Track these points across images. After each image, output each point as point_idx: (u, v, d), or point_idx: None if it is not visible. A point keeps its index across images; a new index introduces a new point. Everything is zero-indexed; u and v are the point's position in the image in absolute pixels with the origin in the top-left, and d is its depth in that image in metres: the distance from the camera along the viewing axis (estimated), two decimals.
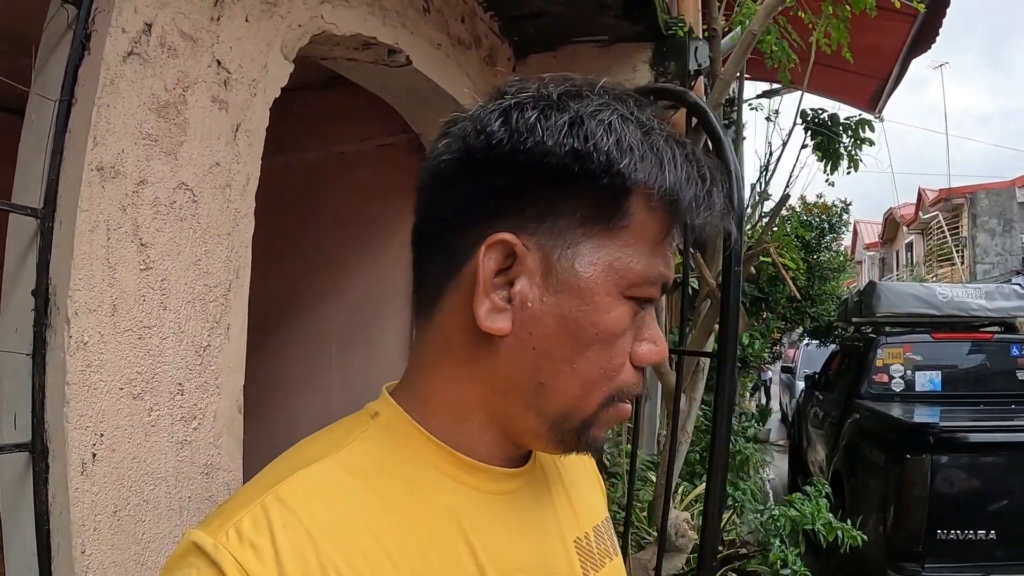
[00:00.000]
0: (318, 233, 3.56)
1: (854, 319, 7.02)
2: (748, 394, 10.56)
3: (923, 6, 3.65)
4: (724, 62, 3.35)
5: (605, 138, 0.62)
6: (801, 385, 8.92)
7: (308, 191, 3.51)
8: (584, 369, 0.64)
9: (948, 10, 3.97)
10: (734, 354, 2.03)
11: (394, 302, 3.52)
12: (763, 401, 12.69)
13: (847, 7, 2.93)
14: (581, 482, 0.86)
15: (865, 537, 3.87)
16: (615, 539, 0.86)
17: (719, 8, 3.01)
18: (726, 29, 3.17)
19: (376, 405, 0.72)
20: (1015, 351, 5.90)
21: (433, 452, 0.68)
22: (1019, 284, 6.51)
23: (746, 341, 6.95)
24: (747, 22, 3.06)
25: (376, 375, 3.53)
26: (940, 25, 4.11)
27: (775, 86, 6.28)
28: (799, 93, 4.25)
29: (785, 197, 4.11)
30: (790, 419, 9.73)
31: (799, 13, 3.08)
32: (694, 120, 2.23)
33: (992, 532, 4.06)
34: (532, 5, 2.92)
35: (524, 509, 0.72)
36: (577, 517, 0.80)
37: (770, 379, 14.27)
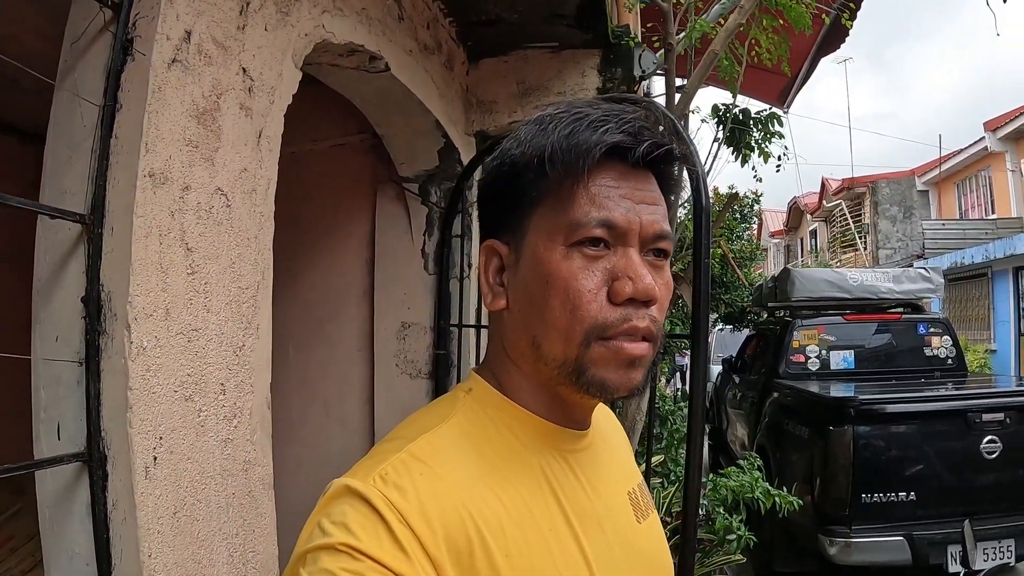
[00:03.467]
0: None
1: (769, 304, 7.35)
2: (665, 379, 10.84)
3: (850, 24, 3.95)
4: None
5: (512, 147, 0.80)
6: (717, 369, 9.23)
7: None
8: (553, 316, 0.76)
9: (859, 12, 4.30)
10: (706, 335, 2.29)
11: (350, 300, 3.56)
12: (679, 386, 13.11)
13: (781, 21, 3.17)
14: (621, 447, 1.03)
15: (801, 502, 4.10)
16: (650, 497, 1.00)
17: (674, 22, 3.19)
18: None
19: (469, 383, 0.86)
20: (921, 329, 6.34)
21: (519, 419, 0.81)
22: (924, 268, 6.97)
23: (667, 327, 7.23)
24: (697, 37, 3.25)
25: (334, 372, 3.56)
26: (852, 18, 4.38)
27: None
28: (711, 88, 4.49)
29: (735, 195, 4.35)
30: (707, 403, 10.02)
31: (742, 27, 3.30)
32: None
33: (912, 494, 4.38)
34: (490, 12, 3.03)
35: (591, 465, 0.86)
36: (626, 474, 0.96)
37: (686, 365, 14.74)
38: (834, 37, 4.64)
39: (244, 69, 1.70)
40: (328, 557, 0.63)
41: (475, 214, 3.31)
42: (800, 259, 27.89)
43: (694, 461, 2.24)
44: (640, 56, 3.25)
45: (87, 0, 1.45)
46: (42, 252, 1.47)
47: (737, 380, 7.67)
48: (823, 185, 24.09)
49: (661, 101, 3.50)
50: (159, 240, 1.45)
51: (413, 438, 0.75)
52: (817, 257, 23.91)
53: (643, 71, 3.26)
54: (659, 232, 0.78)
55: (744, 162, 4.94)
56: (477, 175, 3.19)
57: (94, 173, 1.43)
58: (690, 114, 3.51)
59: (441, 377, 3.23)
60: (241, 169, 1.69)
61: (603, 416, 0.98)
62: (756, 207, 9.38)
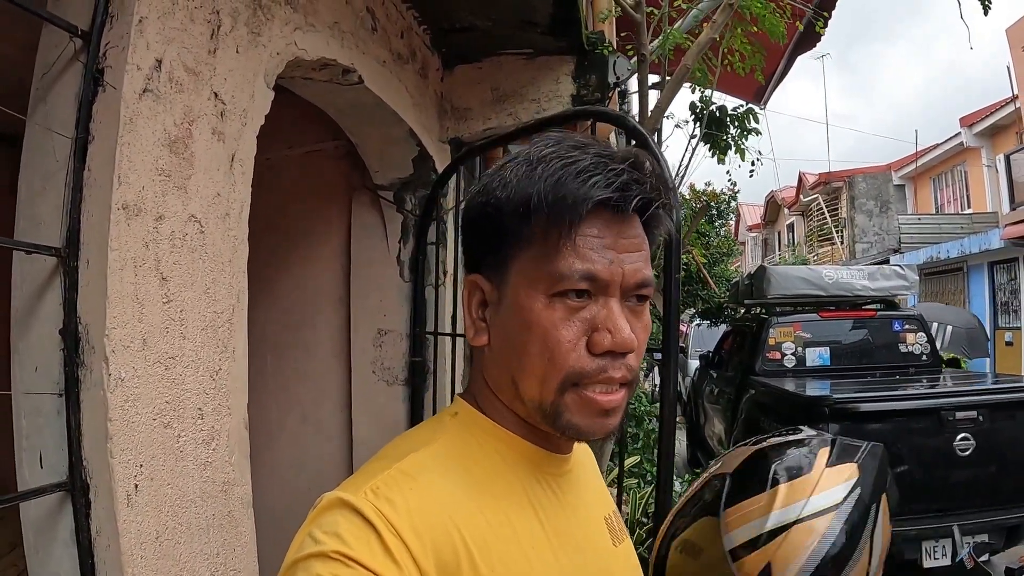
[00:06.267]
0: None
1: (746, 301, 7.44)
2: (643, 375, 10.84)
3: (823, 31, 3.99)
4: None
5: (497, 188, 0.80)
6: (694, 364, 9.28)
7: None
8: (531, 362, 0.78)
9: (834, 11, 4.34)
10: (676, 349, 2.31)
11: (326, 306, 3.57)
12: (656, 382, 13.13)
13: (755, 28, 3.21)
14: (593, 474, 1.05)
15: None
16: (623, 523, 1.03)
17: (647, 33, 3.22)
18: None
19: (454, 407, 0.89)
20: (896, 326, 6.43)
21: (504, 440, 0.84)
22: (899, 266, 7.09)
23: None
24: (670, 48, 3.28)
25: (312, 379, 3.57)
26: (825, 24, 4.40)
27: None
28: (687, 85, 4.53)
29: (706, 207, 4.39)
30: (685, 397, 10.04)
31: (717, 39, 3.33)
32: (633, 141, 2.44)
33: None
34: (463, 20, 3.05)
35: (571, 490, 0.89)
36: (601, 500, 0.99)
37: None
38: (810, 36, 4.68)
39: (216, 93, 1.71)
40: (321, 564, 0.65)
41: (449, 221, 3.34)
42: (778, 253, 28.08)
43: (665, 474, 2.25)
44: (615, 63, 3.28)
45: (57, 29, 1.45)
46: (18, 283, 1.47)
47: (714, 375, 7.74)
48: (800, 179, 24.27)
49: (635, 103, 3.52)
50: (134, 272, 1.46)
51: (401, 457, 0.77)
52: (795, 251, 24.10)
53: (617, 78, 3.30)
54: (641, 280, 0.79)
55: (721, 160, 5.00)
56: (452, 182, 3.21)
57: (68, 205, 1.43)
58: (665, 119, 3.56)
59: (417, 384, 3.26)
60: (214, 194, 1.71)
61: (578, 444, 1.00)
62: (732, 203, 9.46)
